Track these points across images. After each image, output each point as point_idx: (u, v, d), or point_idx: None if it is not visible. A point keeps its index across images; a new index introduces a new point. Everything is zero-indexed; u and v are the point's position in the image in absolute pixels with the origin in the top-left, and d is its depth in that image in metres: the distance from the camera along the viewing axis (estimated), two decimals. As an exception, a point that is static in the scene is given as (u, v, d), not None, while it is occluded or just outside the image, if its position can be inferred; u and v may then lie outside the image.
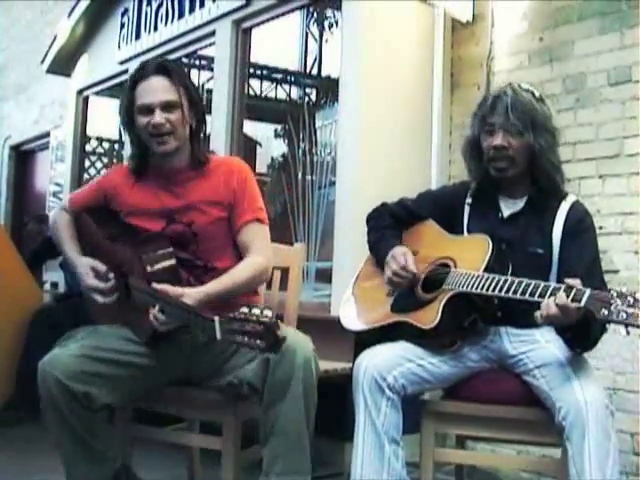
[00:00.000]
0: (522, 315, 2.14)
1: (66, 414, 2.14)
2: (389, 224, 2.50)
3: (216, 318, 1.94)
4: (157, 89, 2.30)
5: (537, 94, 2.30)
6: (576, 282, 1.92)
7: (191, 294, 2.16)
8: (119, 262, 2.35)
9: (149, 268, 2.24)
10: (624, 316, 1.77)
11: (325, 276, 3.74)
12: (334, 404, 3.16)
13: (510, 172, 2.28)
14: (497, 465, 3.16)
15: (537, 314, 1.96)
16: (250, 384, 2.17)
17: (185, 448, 2.79)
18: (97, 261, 2.36)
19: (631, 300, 1.77)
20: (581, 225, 2.27)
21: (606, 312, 1.80)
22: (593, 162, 3.21)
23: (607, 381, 3.04)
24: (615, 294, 1.80)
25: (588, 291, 1.87)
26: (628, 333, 1.78)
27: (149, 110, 2.30)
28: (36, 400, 4.28)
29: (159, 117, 2.28)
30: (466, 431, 2.37)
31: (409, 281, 2.29)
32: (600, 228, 3.02)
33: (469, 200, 2.41)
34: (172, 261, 2.27)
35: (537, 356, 2.18)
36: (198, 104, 2.39)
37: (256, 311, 1.89)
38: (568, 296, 1.90)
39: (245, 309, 1.91)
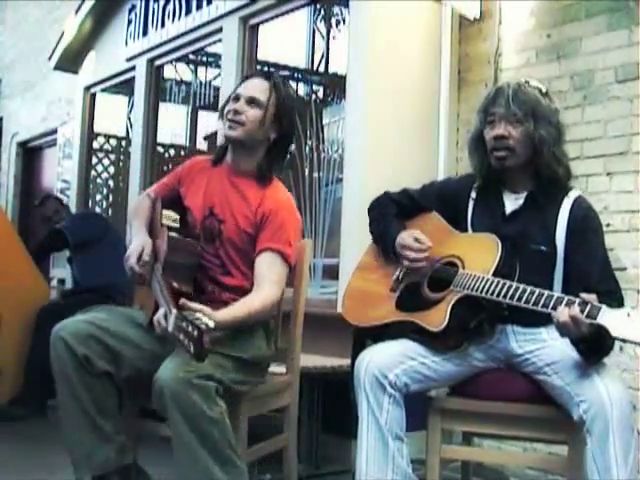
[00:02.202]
0: (528, 314, 2.12)
1: (73, 379, 2.23)
2: (392, 212, 2.48)
3: (174, 311, 1.98)
4: (252, 86, 2.46)
5: (543, 89, 2.30)
6: (592, 297, 1.92)
7: (213, 312, 2.12)
8: (156, 247, 2.41)
9: (170, 256, 2.31)
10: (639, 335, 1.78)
11: (332, 273, 3.75)
12: (340, 401, 3.16)
13: (509, 161, 2.26)
14: (503, 462, 3.16)
15: (555, 321, 1.96)
16: None
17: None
18: (150, 246, 2.38)
19: None
20: (586, 222, 2.24)
21: (620, 330, 1.80)
22: (601, 159, 3.20)
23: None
24: (629, 313, 1.81)
25: (603, 307, 1.87)
26: None
27: (237, 99, 2.44)
28: (42, 395, 4.34)
29: (240, 106, 2.42)
30: (472, 428, 2.38)
31: (429, 260, 2.29)
32: (607, 225, 3.01)
33: (473, 195, 2.40)
34: (195, 259, 2.39)
35: (546, 354, 2.18)
36: (284, 122, 2.47)
37: (199, 315, 1.97)
38: (583, 311, 1.90)
39: (195, 313, 1.99)
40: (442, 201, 2.45)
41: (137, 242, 2.39)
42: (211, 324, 1.93)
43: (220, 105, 2.55)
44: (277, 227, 2.40)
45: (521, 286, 2.04)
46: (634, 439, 1.95)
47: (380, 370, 2.13)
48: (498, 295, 2.06)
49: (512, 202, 2.33)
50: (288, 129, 2.50)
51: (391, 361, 2.16)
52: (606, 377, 2.03)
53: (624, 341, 1.85)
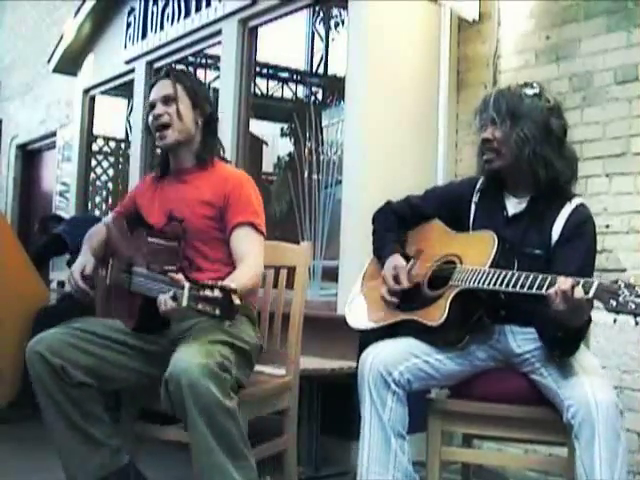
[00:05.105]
0: (526, 313, 2.15)
1: (53, 392, 2.23)
2: (392, 226, 2.50)
3: (186, 284, 1.97)
4: (158, 88, 2.55)
5: (536, 90, 2.26)
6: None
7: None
8: (126, 252, 2.43)
9: (150, 239, 2.38)
10: (632, 306, 1.77)
11: (331, 275, 3.74)
12: (339, 403, 3.16)
13: (495, 164, 2.28)
14: (504, 464, 3.15)
15: (551, 290, 1.91)
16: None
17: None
18: (91, 264, 2.49)
19: (639, 290, 1.78)
20: (579, 229, 2.21)
21: (614, 303, 1.80)
22: (600, 161, 3.20)
23: (614, 380, 3.03)
24: (623, 284, 1.80)
25: (596, 282, 1.86)
26: (637, 323, 1.78)
27: (153, 106, 2.53)
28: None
29: (158, 109, 2.51)
30: (473, 430, 2.37)
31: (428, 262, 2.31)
32: (607, 227, 3.02)
33: (475, 198, 2.41)
34: (174, 243, 2.41)
35: (543, 354, 2.18)
36: (202, 103, 2.56)
37: (209, 282, 1.95)
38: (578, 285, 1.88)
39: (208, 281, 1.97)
40: (445, 204, 2.45)
41: (79, 261, 2.51)
42: (233, 285, 1.94)
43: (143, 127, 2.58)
44: (242, 202, 2.46)
45: (516, 273, 2.03)
46: (621, 445, 1.95)
47: (385, 367, 2.14)
48: (495, 284, 2.06)
49: (514, 205, 2.33)
50: (209, 106, 2.58)
51: (395, 358, 2.17)
52: (595, 381, 2.03)
53: (617, 312, 1.80)
